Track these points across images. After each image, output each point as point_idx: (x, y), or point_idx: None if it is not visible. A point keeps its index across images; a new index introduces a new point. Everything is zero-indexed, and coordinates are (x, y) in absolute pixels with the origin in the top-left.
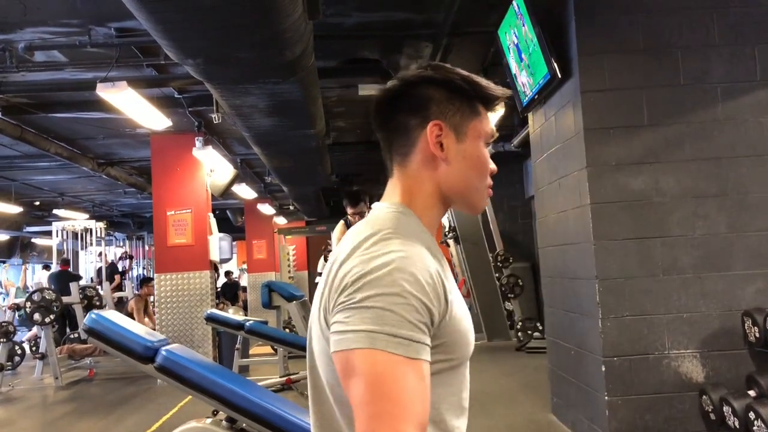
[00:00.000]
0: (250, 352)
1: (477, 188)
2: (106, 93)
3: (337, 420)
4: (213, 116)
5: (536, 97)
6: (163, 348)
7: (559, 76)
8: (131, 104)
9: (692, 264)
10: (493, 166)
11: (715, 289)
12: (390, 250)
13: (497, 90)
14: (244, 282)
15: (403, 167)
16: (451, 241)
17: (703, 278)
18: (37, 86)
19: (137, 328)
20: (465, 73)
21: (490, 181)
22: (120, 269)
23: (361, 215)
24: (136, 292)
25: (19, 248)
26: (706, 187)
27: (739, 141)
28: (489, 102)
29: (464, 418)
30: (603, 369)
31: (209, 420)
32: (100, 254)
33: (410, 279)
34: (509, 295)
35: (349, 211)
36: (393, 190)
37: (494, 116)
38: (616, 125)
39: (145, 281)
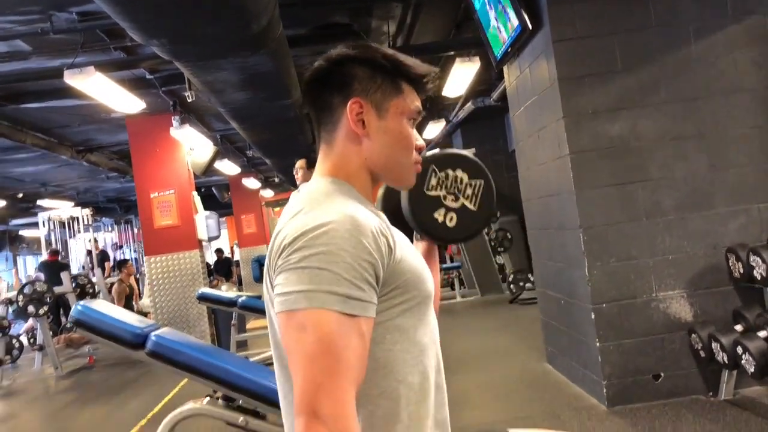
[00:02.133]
0: (249, 325)
1: (401, 163)
2: (73, 80)
3: None
4: (187, 94)
5: (509, 50)
6: (153, 333)
7: (530, 27)
8: (101, 89)
9: (674, 205)
10: (420, 142)
11: (699, 229)
12: (325, 211)
13: (421, 68)
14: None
15: (330, 144)
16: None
17: (686, 219)
18: (4, 78)
19: (125, 315)
20: (390, 51)
21: (417, 156)
22: (112, 257)
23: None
24: (116, 277)
25: (8, 241)
26: (684, 128)
27: (713, 79)
28: (413, 80)
29: (437, 359)
30: (593, 316)
31: (206, 400)
32: (93, 240)
33: (345, 236)
34: (499, 249)
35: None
36: (321, 165)
37: (468, 75)
38: (590, 73)
39: (121, 264)
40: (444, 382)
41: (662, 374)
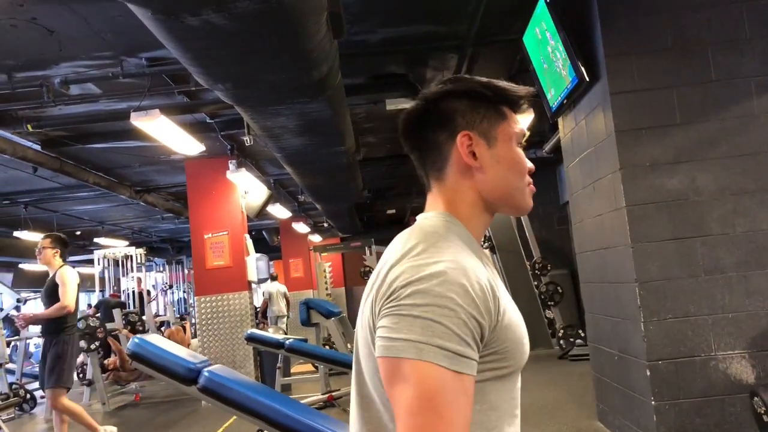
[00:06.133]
0: (292, 370)
1: (517, 188)
2: (139, 122)
3: (385, 425)
4: (245, 139)
5: (565, 101)
6: (206, 369)
7: (587, 79)
8: (164, 131)
9: (735, 262)
10: (530, 165)
11: (761, 287)
12: (440, 259)
13: (520, 90)
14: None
15: (441, 181)
16: (487, 251)
17: (747, 276)
18: (74, 119)
19: (180, 350)
20: (485, 79)
21: (529, 179)
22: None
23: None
24: (176, 317)
25: None
26: (745, 183)
27: None
28: (513, 103)
29: (516, 426)
30: (648, 373)
31: None
32: (138, 279)
33: (460, 291)
34: (549, 303)
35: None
36: (435, 201)
37: (524, 118)
38: (648, 125)
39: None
40: None
41: None
